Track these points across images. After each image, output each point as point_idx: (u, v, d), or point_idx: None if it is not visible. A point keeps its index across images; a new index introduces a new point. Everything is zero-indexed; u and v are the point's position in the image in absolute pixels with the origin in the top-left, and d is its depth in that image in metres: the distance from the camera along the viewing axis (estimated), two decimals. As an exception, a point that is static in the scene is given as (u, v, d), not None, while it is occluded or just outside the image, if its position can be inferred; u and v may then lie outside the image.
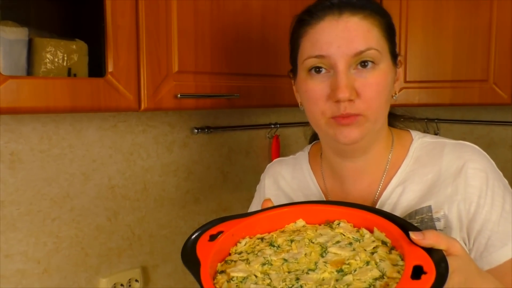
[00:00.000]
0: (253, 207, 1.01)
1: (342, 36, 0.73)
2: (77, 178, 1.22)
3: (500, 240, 0.73)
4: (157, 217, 1.40)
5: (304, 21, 0.78)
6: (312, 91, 0.76)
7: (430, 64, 1.44)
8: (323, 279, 0.54)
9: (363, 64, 0.74)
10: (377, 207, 0.81)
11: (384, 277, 0.53)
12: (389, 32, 0.78)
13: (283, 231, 0.67)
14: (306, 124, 1.82)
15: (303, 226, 0.68)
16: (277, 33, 1.21)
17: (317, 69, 0.76)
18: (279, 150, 1.65)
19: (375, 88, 0.74)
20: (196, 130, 1.43)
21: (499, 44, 1.39)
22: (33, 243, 1.15)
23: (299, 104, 0.86)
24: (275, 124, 1.63)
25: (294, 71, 0.84)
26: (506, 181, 0.79)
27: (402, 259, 0.55)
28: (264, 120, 1.64)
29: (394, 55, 0.79)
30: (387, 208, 0.80)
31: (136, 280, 1.33)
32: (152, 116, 1.36)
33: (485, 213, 0.74)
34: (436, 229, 0.75)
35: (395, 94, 0.81)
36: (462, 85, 1.43)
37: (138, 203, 1.35)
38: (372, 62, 0.74)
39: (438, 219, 0.75)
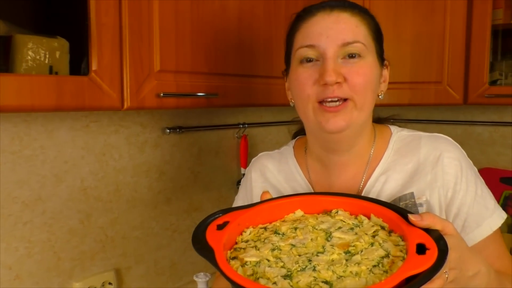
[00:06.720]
0: (239, 202, 1.03)
1: (332, 27, 0.80)
2: (49, 180, 1.19)
3: (475, 221, 0.81)
4: (130, 218, 1.38)
5: (299, 17, 0.85)
6: (301, 77, 0.82)
7: (390, 66, 1.53)
8: (332, 260, 0.58)
9: (350, 55, 0.80)
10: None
11: (389, 255, 0.57)
12: (377, 34, 0.85)
13: (284, 221, 0.70)
14: (273, 124, 1.86)
15: (302, 215, 0.72)
16: (252, 35, 1.25)
17: (308, 60, 0.81)
18: (247, 149, 1.68)
19: (362, 75, 0.80)
20: (168, 130, 1.43)
21: (452, 48, 1.51)
22: (4, 249, 1.10)
23: (290, 101, 0.90)
24: (243, 124, 1.66)
25: (287, 69, 0.89)
26: (476, 169, 0.87)
27: (402, 240, 0.60)
28: (232, 120, 1.67)
29: (381, 57, 0.85)
30: (372, 196, 0.85)
31: (110, 283, 1.31)
32: (124, 116, 1.35)
33: (461, 197, 0.82)
34: None
35: (381, 93, 0.87)
36: (420, 87, 1.54)
37: (110, 205, 1.33)
38: (359, 55, 0.80)
39: (421, 205, 0.82)
